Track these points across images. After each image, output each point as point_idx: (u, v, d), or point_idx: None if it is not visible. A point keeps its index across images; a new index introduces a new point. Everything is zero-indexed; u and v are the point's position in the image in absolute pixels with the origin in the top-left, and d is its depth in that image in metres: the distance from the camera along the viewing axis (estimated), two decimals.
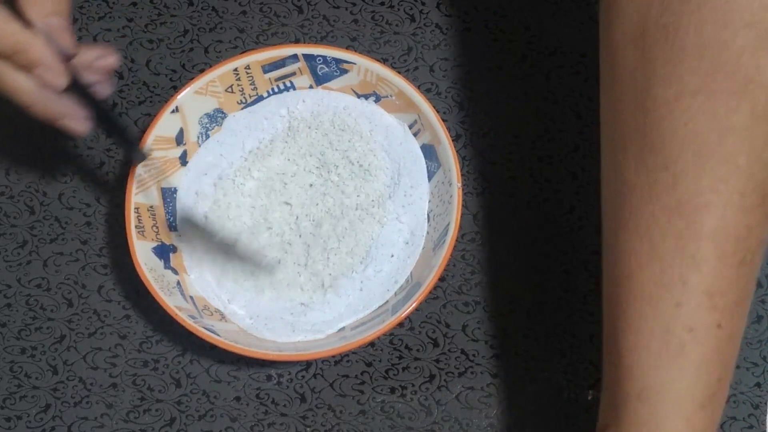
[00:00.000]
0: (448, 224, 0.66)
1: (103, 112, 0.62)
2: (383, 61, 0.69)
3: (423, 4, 0.78)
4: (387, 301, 0.67)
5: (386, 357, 0.70)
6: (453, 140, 0.72)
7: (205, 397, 0.69)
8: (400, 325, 0.70)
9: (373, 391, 0.69)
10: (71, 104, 0.61)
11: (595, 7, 0.79)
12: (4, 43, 0.57)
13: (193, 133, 0.71)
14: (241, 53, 0.70)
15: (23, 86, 0.59)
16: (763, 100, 0.52)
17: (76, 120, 0.61)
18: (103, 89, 0.63)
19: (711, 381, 0.53)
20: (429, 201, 0.69)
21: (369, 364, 0.70)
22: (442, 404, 0.69)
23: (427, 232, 0.68)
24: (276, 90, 0.71)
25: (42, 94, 0.59)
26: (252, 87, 0.71)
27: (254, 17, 0.79)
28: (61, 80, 0.59)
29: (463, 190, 0.69)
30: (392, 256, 0.68)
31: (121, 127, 0.66)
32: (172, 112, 0.69)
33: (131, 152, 0.67)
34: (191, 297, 0.68)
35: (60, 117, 0.61)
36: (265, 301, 0.69)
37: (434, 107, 0.68)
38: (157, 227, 0.69)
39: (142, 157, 0.67)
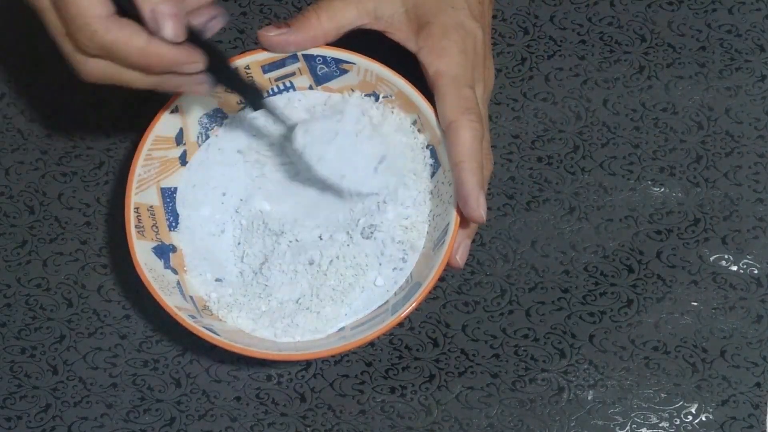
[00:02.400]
0: (448, 224, 0.66)
1: (216, 62, 0.62)
2: (384, 61, 0.69)
3: None
4: (387, 301, 0.67)
5: (386, 357, 0.70)
6: None
7: (205, 397, 0.69)
8: (400, 325, 0.70)
9: (373, 390, 0.69)
10: (187, 78, 0.61)
11: (593, 9, 0.79)
12: (134, 61, 0.58)
13: (192, 133, 0.71)
14: (241, 53, 0.70)
15: (139, 80, 0.60)
16: None
17: (195, 86, 0.62)
18: (217, 23, 0.62)
19: None
20: (429, 201, 0.69)
21: (369, 364, 0.70)
22: (442, 404, 0.69)
23: (427, 233, 0.68)
24: (276, 90, 0.71)
25: (158, 79, 0.60)
26: None
27: (254, 18, 0.79)
28: (198, 66, 0.60)
29: None
30: (400, 268, 0.68)
31: (237, 75, 0.66)
32: (172, 112, 0.69)
33: (253, 97, 0.66)
34: (191, 297, 0.68)
35: (179, 89, 0.62)
36: (265, 301, 0.68)
37: (434, 107, 0.68)
38: (157, 227, 0.69)
39: (262, 100, 0.66)
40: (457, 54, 0.66)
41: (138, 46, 0.58)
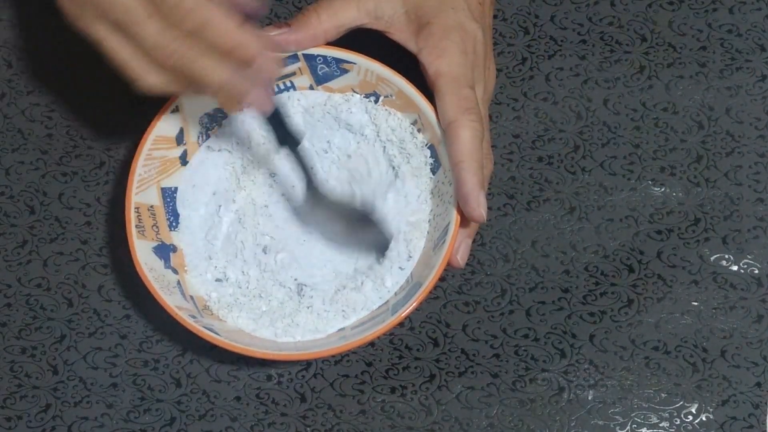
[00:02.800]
0: (448, 224, 0.66)
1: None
2: (384, 61, 0.69)
3: None
4: (387, 301, 0.67)
5: (386, 357, 0.70)
6: None
7: (205, 396, 0.69)
8: (400, 324, 0.70)
9: (373, 390, 0.69)
10: (255, 82, 0.61)
11: (593, 9, 0.79)
12: (224, 42, 0.58)
13: (193, 133, 0.71)
14: None
15: (218, 71, 0.59)
16: None
17: (259, 100, 0.62)
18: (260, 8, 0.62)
19: None
20: (429, 201, 0.69)
21: (369, 364, 0.70)
22: (442, 404, 0.69)
23: (428, 232, 0.68)
24: (276, 89, 0.71)
25: (233, 75, 0.60)
26: None
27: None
28: (276, 70, 0.61)
29: None
30: (400, 268, 0.68)
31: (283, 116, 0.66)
32: (172, 111, 0.69)
33: (289, 141, 0.67)
34: (191, 297, 0.68)
35: (244, 97, 0.61)
36: (265, 301, 0.68)
37: (434, 107, 0.68)
38: (157, 227, 0.69)
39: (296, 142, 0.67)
40: (457, 54, 0.66)
41: (231, 27, 0.58)
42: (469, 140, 0.64)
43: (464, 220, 0.65)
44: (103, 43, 0.59)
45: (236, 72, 0.60)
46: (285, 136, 0.66)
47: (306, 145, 0.70)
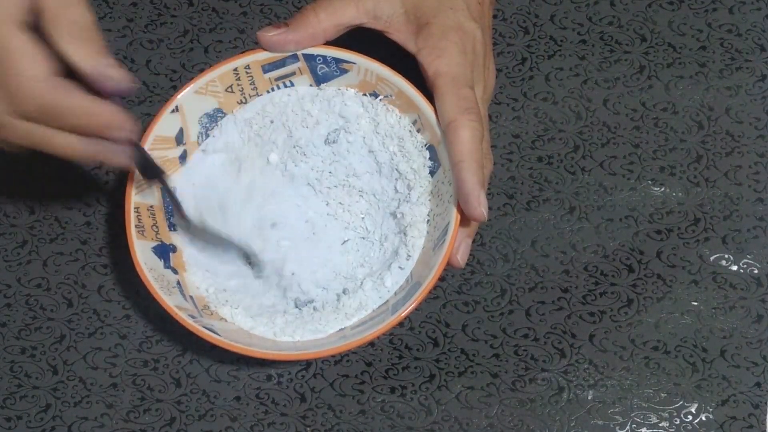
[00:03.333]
0: (448, 224, 0.66)
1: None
2: (384, 61, 0.69)
3: None
4: (387, 301, 0.67)
5: (386, 357, 0.70)
6: None
7: (205, 396, 0.69)
8: (400, 324, 0.70)
9: (373, 390, 0.69)
10: (107, 142, 0.61)
11: (593, 9, 0.79)
12: (75, 122, 0.58)
13: (193, 133, 0.71)
14: (241, 53, 0.70)
15: (72, 145, 0.60)
16: None
17: (112, 157, 0.62)
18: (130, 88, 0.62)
19: None
20: (429, 201, 0.69)
21: (369, 364, 0.70)
22: (442, 404, 0.69)
23: (427, 232, 0.68)
24: (276, 90, 0.71)
25: (87, 143, 0.60)
26: (252, 87, 0.71)
27: (254, 18, 0.79)
28: (130, 134, 0.61)
29: None
30: (399, 267, 0.68)
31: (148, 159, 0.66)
32: (172, 111, 0.69)
33: (151, 175, 0.67)
34: (191, 297, 0.68)
35: (97, 158, 0.62)
36: (265, 301, 0.68)
37: (434, 107, 0.68)
38: (157, 227, 0.69)
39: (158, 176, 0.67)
40: (457, 54, 0.66)
41: (79, 104, 0.58)
42: (469, 140, 0.64)
43: (464, 220, 0.65)
44: None
45: (87, 143, 0.60)
46: (150, 170, 0.66)
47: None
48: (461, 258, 0.66)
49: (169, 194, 0.68)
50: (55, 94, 0.58)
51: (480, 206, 0.64)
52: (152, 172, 0.66)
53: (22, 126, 0.59)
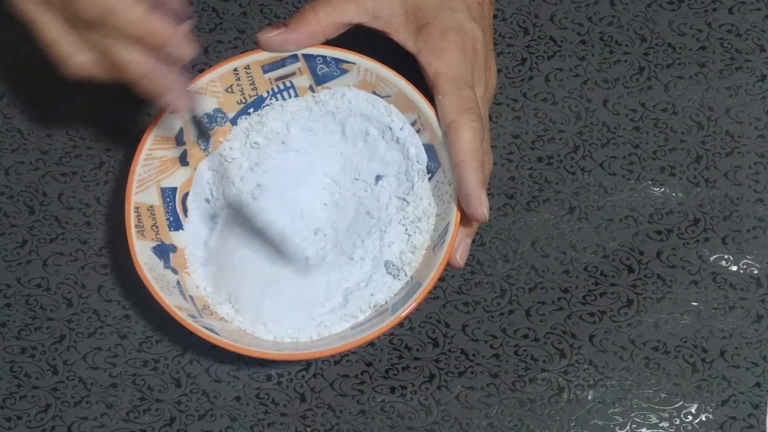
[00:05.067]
0: (448, 224, 0.66)
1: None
2: (384, 61, 0.69)
3: None
4: (387, 301, 0.67)
5: (386, 357, 0.70)
6: None
7: (205, 397, 0.69)
8: (400, 324, 0.70)
9: (373, 390, 0.69)
10: (177, 78, 0.62)
11: (593, 8, 0.79)
12: (135, 28, 0.58)
13: (192, 133, 0.71)
14: (241, 53, 0.70)
15: (136, 60, 0.59)
16: None
17: (180, 95, 0.62)
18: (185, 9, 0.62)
19: None
20: (429, 201, 0.69)
21: (369, 364, 0.70)
22: (442, 404, 0.69)
23: (428, 232, 0.68)
24: (276, 90, 0.71)
25: (154, 67, 0.60)
26: (252, 87, 0.71)
27: (254, 18, 0.79)
28: (189, 52, 0.60)
29: None
30: (398, 269, 0.68)
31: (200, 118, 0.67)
32: (172, 112, 0.69)
33: (199, 136, 0.67)
34: (191, 297, 0.68)
35: (167, 91, 0.62)
36: (264, 302, 0.68)
37: (434, 107, 0.68)
38: (156, 227, 0.69)
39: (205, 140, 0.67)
40: (457, 55, 0.66)
41: (139, 12, 0.58)
42: (470, 140, 0.64)
43: (465, 220, 0.65)
44: (33, 22, 0.60)
45: (156, 65, 0.60)
46: (200, 131, 0.66)
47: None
48: (460, 258, 0.66)
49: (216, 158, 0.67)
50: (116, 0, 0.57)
51: (481, 206, 0.64)
52: (202, 131, 0.66)
53: (89, 37, 0.59)
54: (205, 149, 0.71)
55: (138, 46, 0.59)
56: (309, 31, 0.68)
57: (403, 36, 0.68)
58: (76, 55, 0.60)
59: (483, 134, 0.65)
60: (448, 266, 0.65)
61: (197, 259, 0.70)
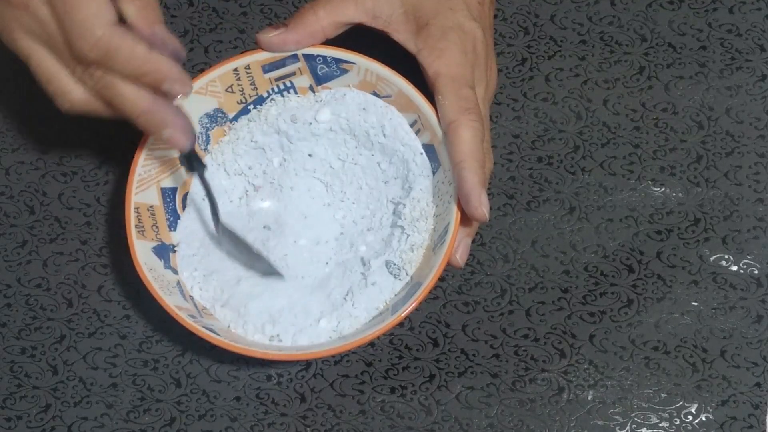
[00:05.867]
0: (448, 224, 0.66)
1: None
2: (384, 61, 0.69)
3: None
4: (387, 301, 0.67)
5: (386, 357, 0.70)
6: None
7: (205, 397, 0.69)
8: (400, 324, 0.70)
9: (373, 391, 0.69)
10: (176, 113, 0.62)
11: (593, 8, 0.79)
12: (135, 66, 0.59)
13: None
14: (241, 53, 0.70)
15: (136, 96, 0.60)
16: None
17: (180, 130, 0.62)
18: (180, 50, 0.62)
19: None
20: (429, 201, 0.69)
21: (369, 364, 0.70)
22: (442, 404, 0.69)
23: (427, 232, 0.68)
24: (276, 90, 0.71)
25: (154, 102, 0.60)
26: (252, 87, 0.71)
27: (255, 18, 0.79)
28: (186, 88, 0.61)
29: None
30: (399, 268, 0.68)
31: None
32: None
33: (195, 168, 0.67)
34: (191, 297, 0.68)
35: (166, 125, 0.62)
36: (263, 302, 0.68)
37: (434, 107, 0.68)
38: (157, 227, 0.69)
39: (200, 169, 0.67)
40: (457, 54, 0.66)
41: (141, 51, 0.58)
42: (470, 140, 0.64)
43: (465, 219, 0.65)
44: (31, 57, 0.60)
45: (156, 100, 0.60)
46: (192, 162, 0.66)
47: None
48: (461, 258, 0.66)
49: (207, 191, 0.68)
50: (118, 37, 0.58)
51: (481, 206, 0.64)
52: (195, 165, 0.66)
53: (89, 74, 0.59)
54: (205, 149, 0.71)
55: (138, 83, 0.60)
56: (309, 30, 0.68)
57: (402, 36, 0.68)
58: (74, 90, 0.60)
59: (483, 134, 0.65)
60: (449, 266, 0.65)
61: (189, 260, 0.69)
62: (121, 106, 0.60)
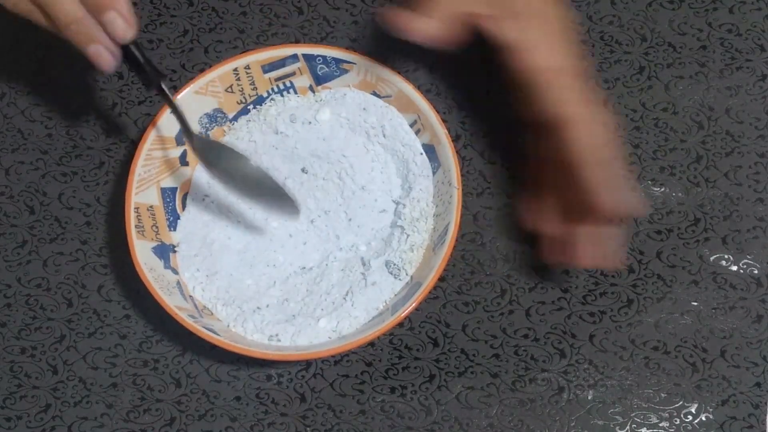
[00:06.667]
0: (448, 224, 0.66)
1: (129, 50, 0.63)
2: (384, 59, 0.69)
3: None
4: (387, 301, 0.67)
5: (386, 357, 0.70)
6: (453, 140, 0.72)
7: (205, 397, 0.69)
8: (400, 324, 0.70)
9: (373, 390, 0.69)
10: (105, 36, 0.62)
11: (594, 7, 0.79)
12: None
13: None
14: (241, 53, 0.70)
15: (69, 6, 0.60)
16: None
17: (106, 52, 0.62)
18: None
19: None
20: (429, 201, 0.69)
21: (369, 364, 0.70)
22: (442, 404, 0.69)
23: (427, 232, 0.68)
24: (276, 90, 0.71)
25: (84, 17, 0.61)
26: (252, 87, 0.71)
27: (254, 18, 0.79)
28: (130, 31, 0.61)
29: (462, 190, 0.69)
30: (399, 268, 0.68)
31: (146, 62, 0.65)
32: (172, 112, 0.69)
33: (154, 81, 0.65)
34: (191, 297, 0.68)
35: (92, 40, 0.61)
36: (262, 302, 0.68)
37: (434, 107, 0.68)
38: (156, 227, 0.69)
39: (162, 79, 0.66)
40: (555, 45, 0.63)
41: None
42: (585, 137, 0.61)
43: (608, 218, 0.63)
44: None
45: (87, 16, 0.61)
46: (149, 75, 0.65)
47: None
48: (618, 261, 0.63)
49: (170, 105, 0.66)
50: None
51: (619, 203, 0.61)
52: (151, 77, 0.65)
53: None
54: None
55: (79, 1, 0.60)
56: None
57: (492, 25, 0.63)
58: None
59: (595, 125, 0.62)
60: (449, 266, 0.65)
61: (191, 260, 0.70)
62: (54, 11, 0.61)
